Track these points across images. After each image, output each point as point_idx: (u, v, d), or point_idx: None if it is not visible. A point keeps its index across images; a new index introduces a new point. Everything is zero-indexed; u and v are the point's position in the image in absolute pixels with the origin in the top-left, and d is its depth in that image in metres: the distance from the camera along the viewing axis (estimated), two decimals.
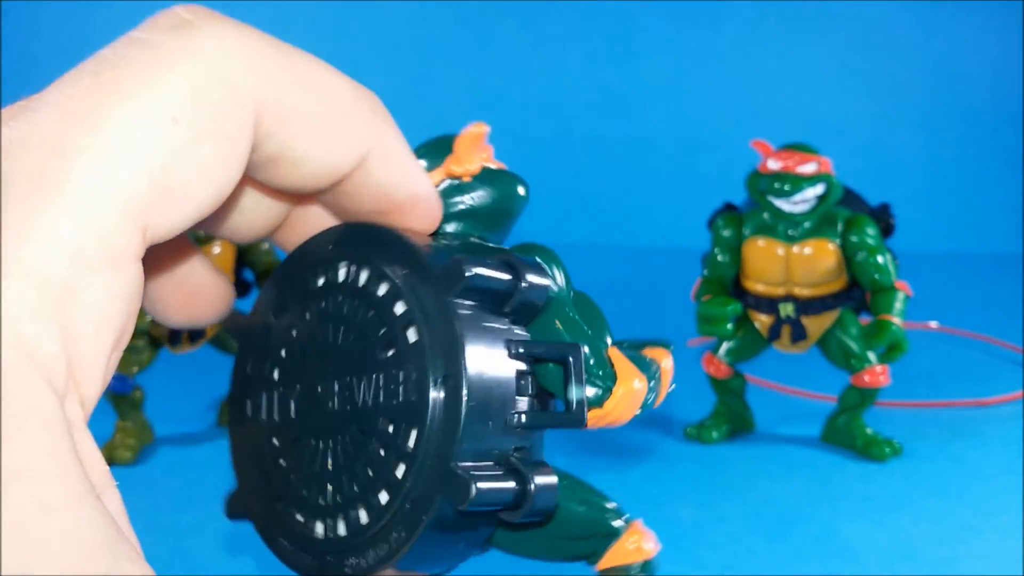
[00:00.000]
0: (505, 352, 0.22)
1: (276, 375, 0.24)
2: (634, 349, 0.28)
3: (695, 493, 0.70)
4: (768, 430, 0.85)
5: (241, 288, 0.79)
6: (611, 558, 0.28)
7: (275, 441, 0.24)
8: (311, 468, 0.23)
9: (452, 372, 0.21)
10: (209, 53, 0.19)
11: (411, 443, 0.21)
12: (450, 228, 0.27)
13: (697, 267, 0.83)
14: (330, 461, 0.23)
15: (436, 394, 0.21)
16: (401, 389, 0.21)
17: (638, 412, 0.27)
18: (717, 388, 0.83)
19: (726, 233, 0.81)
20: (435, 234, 0.26)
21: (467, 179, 0.28)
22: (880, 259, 0.77)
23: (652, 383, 0.27)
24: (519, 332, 0.23)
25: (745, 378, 0.84)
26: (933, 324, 1.21)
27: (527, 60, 1.99)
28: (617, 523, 0.28)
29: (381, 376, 0.22)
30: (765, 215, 0.79)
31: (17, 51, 1.81)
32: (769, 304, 0.80)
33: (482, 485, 0.21)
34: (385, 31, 1.96)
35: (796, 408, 0.91)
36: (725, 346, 0.82)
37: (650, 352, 0.28)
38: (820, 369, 0.83)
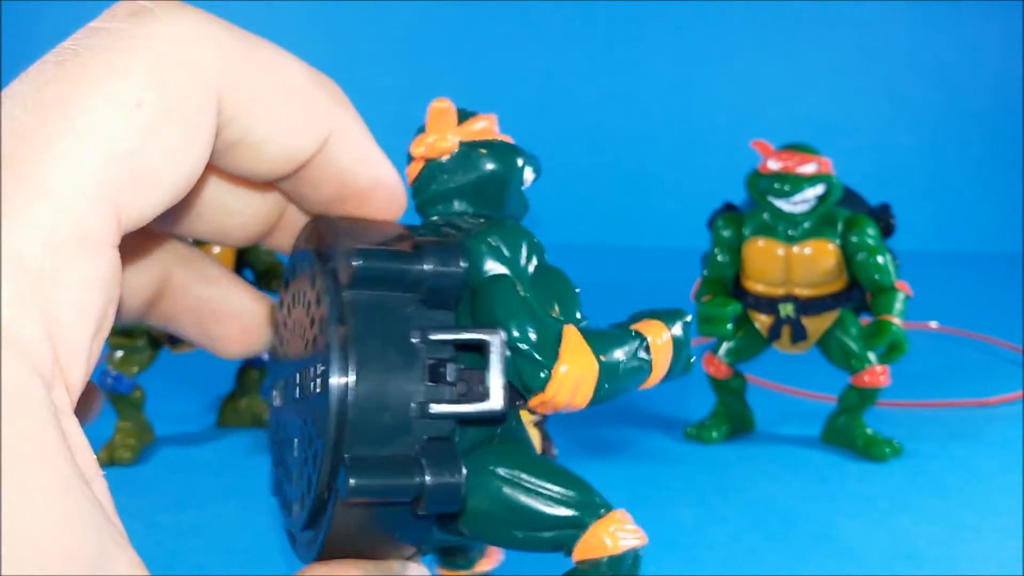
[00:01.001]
0: (412, 340, 0.22)
1: (275, 368, 0.26)
2: (622, 325, 0.26)
3: (695, 493, 0.70)
4: (768, 430, 0.85)
5: None
6: (581, 550, 0.25)
7: (275, 429, 0.25)
8: (285, 456, 0.24)
9: (344, 364, 0.21)
10: (169, 38, 0.19)
11: (317, 435, 0.22)
12: (456, 208, 0.27)
13: (697, 267, 0.83)
14: (295, 450, 0.23)
15: (336, 385, 0.21)
16: (315, 383, 0.22)
17: (593, 397, 0.24)
18: (717, 388, 0.83)
19: (726, 233, 0.81)
20: (425, 217, 0.27)
21: (444, 157, 0.27)
22: (880, 259, 0.77)
23: (636, 362, 0.25)
24: (439, 317, 0.23)
25: (745, 378, 0.84)
26: (933, 324, 1.21)
27: (527, 60, 1.99)
28: (584, 512, 0.25)
29: (310, 370, 0.22)
30: (765, 215, 0.79)
31: (17, 51, 1.81)
32: (769, 304, 0.80)
33: (362, 480, 0.20)
34: (385, 31, 1.96)
35: (796, 408, 0.91)
36: (725, 346, 0.82)
37: (642, 327, 0.26)
38: (820, 369, 0.83)
